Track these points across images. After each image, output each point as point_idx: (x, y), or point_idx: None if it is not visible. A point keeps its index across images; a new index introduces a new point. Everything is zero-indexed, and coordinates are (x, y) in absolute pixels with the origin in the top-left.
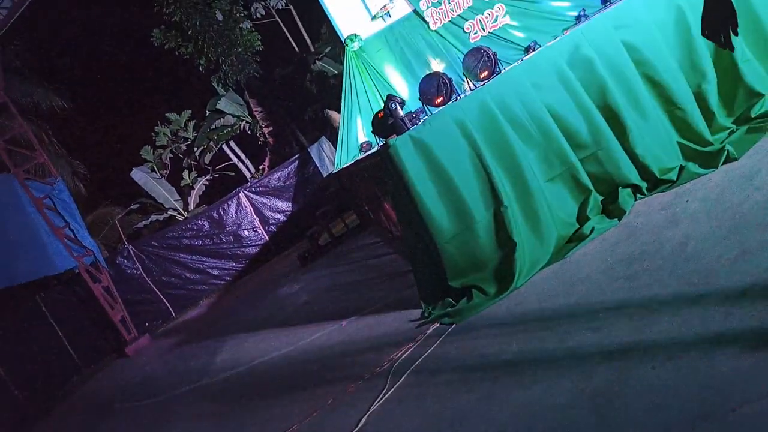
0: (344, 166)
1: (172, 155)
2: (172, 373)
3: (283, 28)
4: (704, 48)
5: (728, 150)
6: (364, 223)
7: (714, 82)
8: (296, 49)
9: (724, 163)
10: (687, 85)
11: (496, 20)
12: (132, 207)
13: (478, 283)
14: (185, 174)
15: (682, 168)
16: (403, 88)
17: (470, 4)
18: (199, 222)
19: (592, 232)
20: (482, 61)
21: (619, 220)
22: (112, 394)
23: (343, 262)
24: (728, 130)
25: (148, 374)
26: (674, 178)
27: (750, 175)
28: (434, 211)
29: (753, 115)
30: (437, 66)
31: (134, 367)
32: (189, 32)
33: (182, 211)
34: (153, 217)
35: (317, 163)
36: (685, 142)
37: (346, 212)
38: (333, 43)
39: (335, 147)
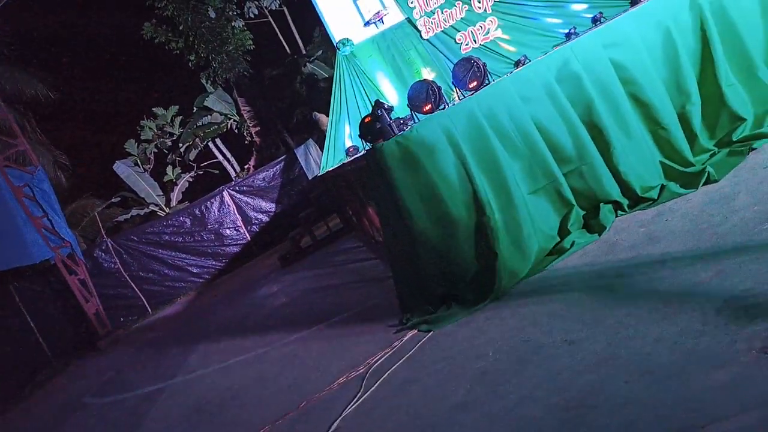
0: (330, 170)
1: (156, 150)
2: (145, 370)
3: (276, 29)
4: (690, 70)
5: (709, 172)
6: (347, 227)
7: (698, 104)
8: (288, 50)
9: (705, 184)
10: (672, 105)
11: (487, 33)
12: (113, 200)
13: (457, 291)
14: (169, 169)
15: (663, 187)
16: (393, 94)
17: (463, 15)
18: (181, 218)
19: (572, 245)
20: (472, 72)
21: (600, 235)
22: (83, 389)
23: (325, 265)
24: (710, 152)
25: (119, 370)
26: (655, 197)
27: (729, 197)
28: (417, 217)
29: (734, 139)
30: (428, 74)
31: (106, 362)
32: (180, 28)
33: (164, 206)
34: (134, 212)
35: (303, 165)
36: (667, 161)
37: (330, 215)
38: (325, 47)
39: (322, 150)
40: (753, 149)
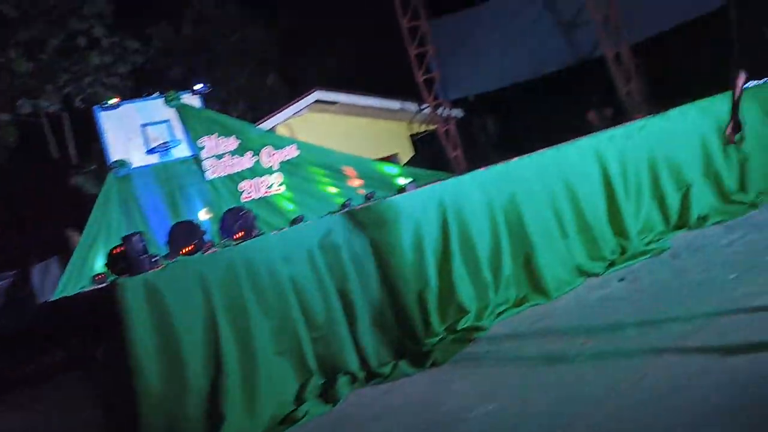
0: (66, 296)
1: None
2: None
3: (49, 131)
4: (432, 259)
5: (436, 356)
6: (70, 363)
7: (435, 291)
8: (57, 156)
9: (431, 366)
10: (413, 289)
11: (271, 187)
12: None
13: None
14: None
15: (395, 365)
16: (163, 229)
17: (251, 166)
18: None
19: (305, 415)
20: (239, 222)
21: (333, 406)
22: None
23: (34, 407)
24: (439, 336)
25: None
26: (387, 373)
27: (447, 381)
28: (147, 370)
29: (459, 328)
30: (205, 215)
31: None
32: None
33: None
34: None
35: (36, 284)
36: (403, 340)
37: (54, 348)
38: (100, 163)
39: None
40: (472, 339)
